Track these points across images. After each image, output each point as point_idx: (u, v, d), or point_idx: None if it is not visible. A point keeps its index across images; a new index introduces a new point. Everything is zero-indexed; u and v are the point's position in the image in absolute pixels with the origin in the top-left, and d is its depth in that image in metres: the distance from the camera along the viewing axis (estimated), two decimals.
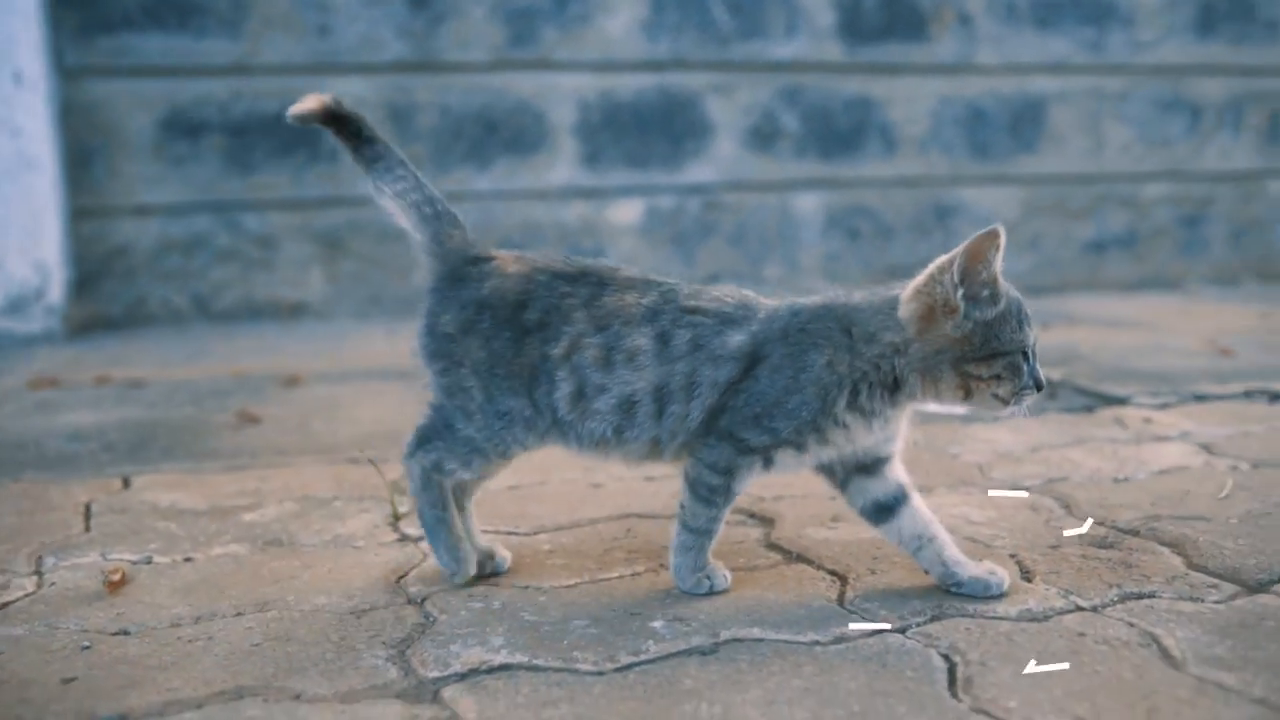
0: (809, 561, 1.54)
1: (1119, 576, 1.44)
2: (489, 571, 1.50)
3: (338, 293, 4.74)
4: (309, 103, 1.49)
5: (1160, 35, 5.55)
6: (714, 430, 1.36)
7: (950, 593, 1.38)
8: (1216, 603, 1.34)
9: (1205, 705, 1.06)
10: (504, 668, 1.19)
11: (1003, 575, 1.38)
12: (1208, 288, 5.70)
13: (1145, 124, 5.59)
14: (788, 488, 1.86)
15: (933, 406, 1.38)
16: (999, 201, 5.42)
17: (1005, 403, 1.33)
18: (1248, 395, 2.67)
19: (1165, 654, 1.18)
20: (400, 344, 1.80)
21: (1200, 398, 2.65)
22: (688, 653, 1.22)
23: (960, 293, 1.29)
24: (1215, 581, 1.41)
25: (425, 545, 1.54)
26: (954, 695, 1.10)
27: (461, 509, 1.52)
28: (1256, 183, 5.79)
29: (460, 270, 1.45)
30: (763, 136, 5.09)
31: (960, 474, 2.00)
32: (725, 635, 1.27)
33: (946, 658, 1.19)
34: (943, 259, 1.33)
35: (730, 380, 1.35)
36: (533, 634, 1.28)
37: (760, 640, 1.25)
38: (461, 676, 1.18)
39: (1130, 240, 5.65)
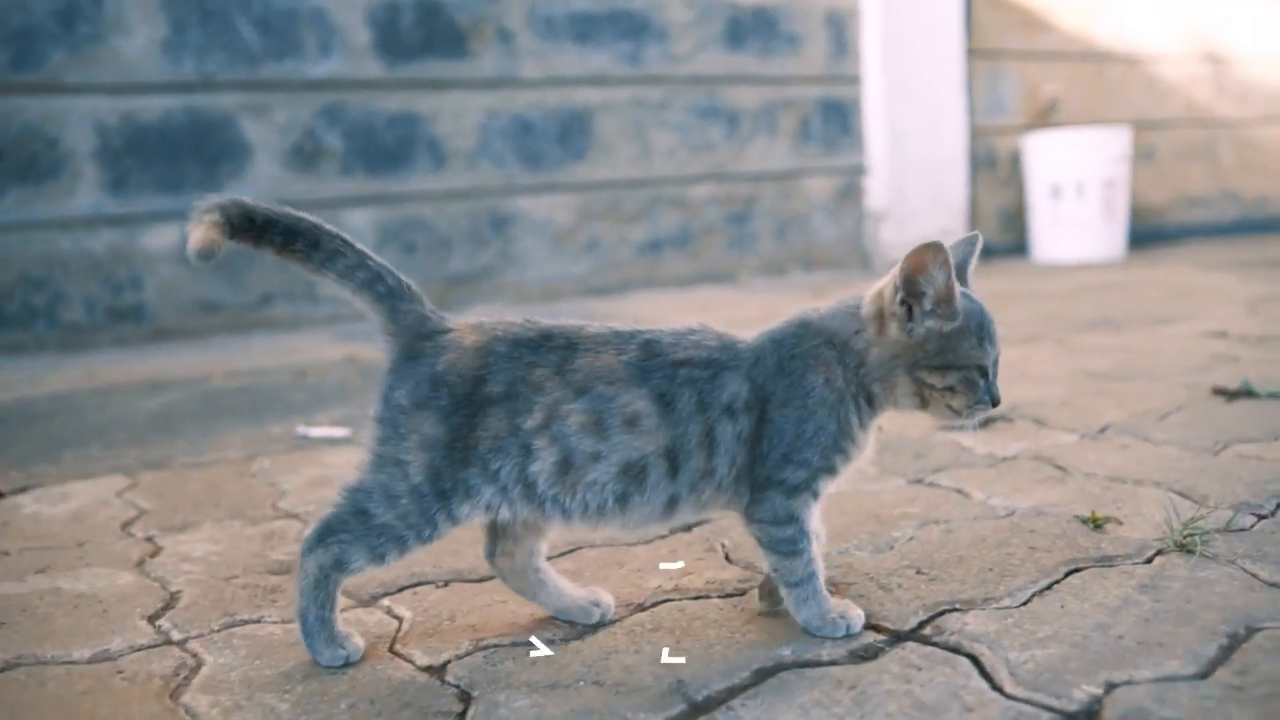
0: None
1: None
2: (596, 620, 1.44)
3: None
4: (203, 233, 1.33)
5: (694, 48, 6.00)
6: (755, 485, 1.33)
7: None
8: None
9: None
10: None
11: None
12: (759, 278, 6.26)
13: (688, 130, 6.04)
14: None
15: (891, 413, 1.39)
16: (554, 209, 5.70)
17: (958, 414, 1.33)
18: None
19: None
20: None
21: None
22: None
23: (899, 297, 1.29)
24: None
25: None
26: None
27: (537, 569, 1.44)
28: (794, 181, 6.40)
29: (416, 346, 1.34)
30: (305, 156, 5.10)
31: None
32: None
33: None
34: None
35: (751, 432, 1.33)
36: None
37: None
38: None
39: (684, 239, 6.10)
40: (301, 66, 5.05)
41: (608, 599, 1.45)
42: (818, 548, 1.37)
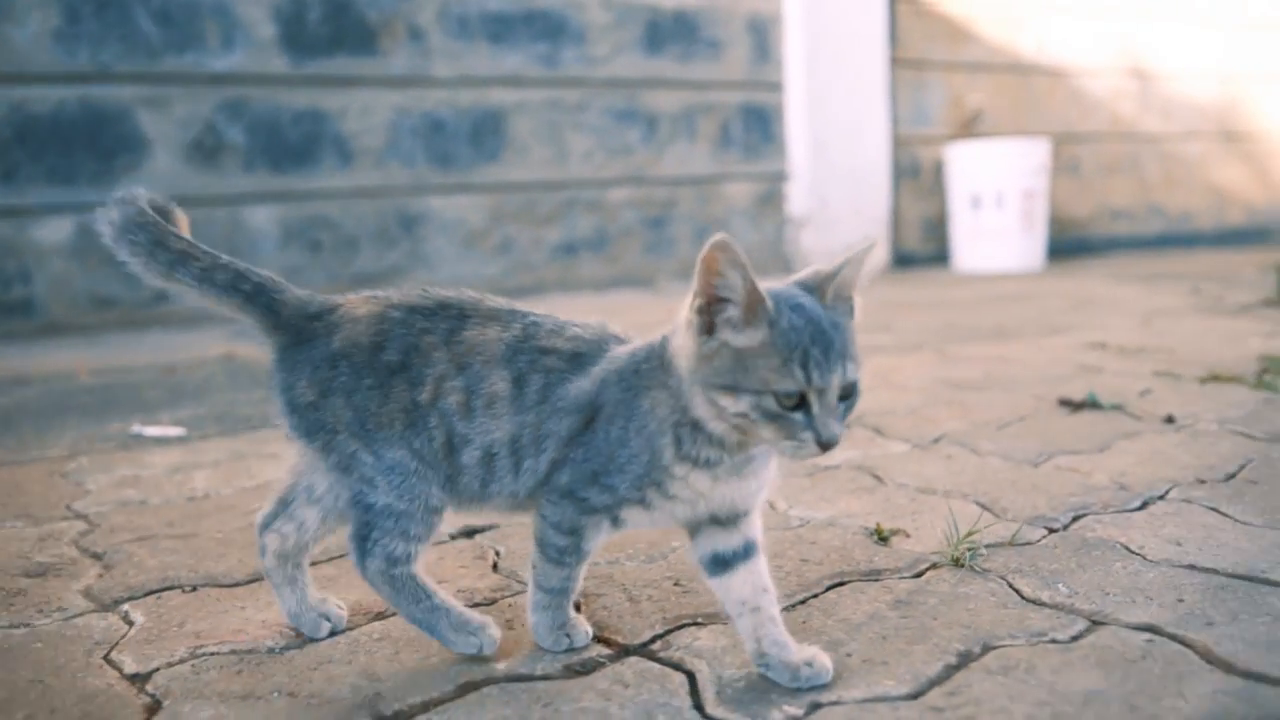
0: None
1: None
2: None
3: None
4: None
5: (612, 51, 5.96)
6: (556, 486, 1.20)
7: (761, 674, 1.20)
8: None
9: None
10: None
11: (822, 665, 1.18)
12: (677, 283, 6.21)
13: (605, 133, 6.00)
14: None
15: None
16: (466, 209, 5.64)
17: (780, 452, 1.12)
18: None
19: None
20: None
21: None
22: None
23: (697, 302, 1.11)
24: None
25: None
26: None
27: (299, 564, 1.35)
28: (714, 186, 6.38)
29: (304, 330, 1.26)
30: (206, 150, 5.00)
31: None
32: None
33: None
34: None
35: (572, 433, 1.19)
36: None
37: None
38: None
39: (600, 242, 6.06)
40: (203, 59, 4.95)
41: (340, 613, 1.39)
42: (582, 570, 1.27)
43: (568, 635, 1.28)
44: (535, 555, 1.26)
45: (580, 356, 1.22)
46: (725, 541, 1.23)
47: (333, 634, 1.36)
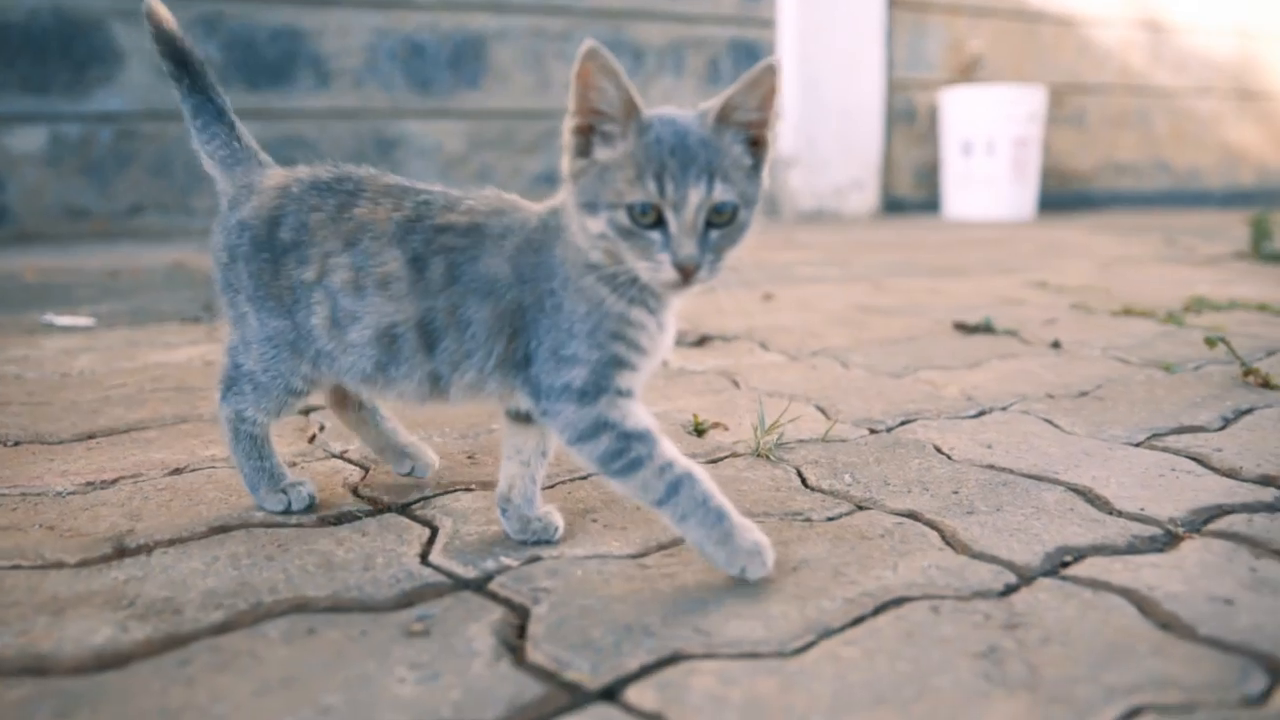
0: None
1: None
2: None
3: None
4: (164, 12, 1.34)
5: None
6: (538, 391, 1.14)
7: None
8: None
9: None
10: None
11: (552, 522, 1.22)
12: None
13: None
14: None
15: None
16: (445, 134, 5.64)
17: (646, 279, 1.05)
18: None
19: None
20: None
21: None
22: None
23: (575, 122, 1.04)
24: None
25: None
26: None
27: (376, 422, 1.43)
28: None
29: (235, 196, 1.29)
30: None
31: None
32: None
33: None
34: None
35: (500, 316, 1.14)
36: None
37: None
38: None
39: None
40: None
41: (430, 456, 1.44)
42: (669, 450, 1.12)
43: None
44: (620, 488, 1.13)
45: (478, 228, 1.17)
46: (526, 405, 1.19)
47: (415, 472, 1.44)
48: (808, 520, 1.31)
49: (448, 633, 0.99)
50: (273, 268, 1.22)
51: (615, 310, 1.10)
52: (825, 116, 6.56)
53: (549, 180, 5.93)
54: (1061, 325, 2.65)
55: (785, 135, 6.50)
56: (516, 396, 1.18)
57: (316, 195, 1.22)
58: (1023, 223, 6.52)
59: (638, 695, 0.88)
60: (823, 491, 1.42)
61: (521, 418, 1.23)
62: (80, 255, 4.34)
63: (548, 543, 1.21)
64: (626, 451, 1.10)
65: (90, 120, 4.90)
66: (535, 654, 0.95)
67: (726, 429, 1.71)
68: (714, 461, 1.54)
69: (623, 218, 1.02)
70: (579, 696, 0.88)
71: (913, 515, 1.33)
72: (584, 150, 1.06)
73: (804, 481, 1.46)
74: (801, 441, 1.64)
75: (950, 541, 1.24)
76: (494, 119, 5.74)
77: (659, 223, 1.02)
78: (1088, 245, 5.05)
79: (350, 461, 1.54)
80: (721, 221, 1.04)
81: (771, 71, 1.04)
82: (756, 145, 1.08)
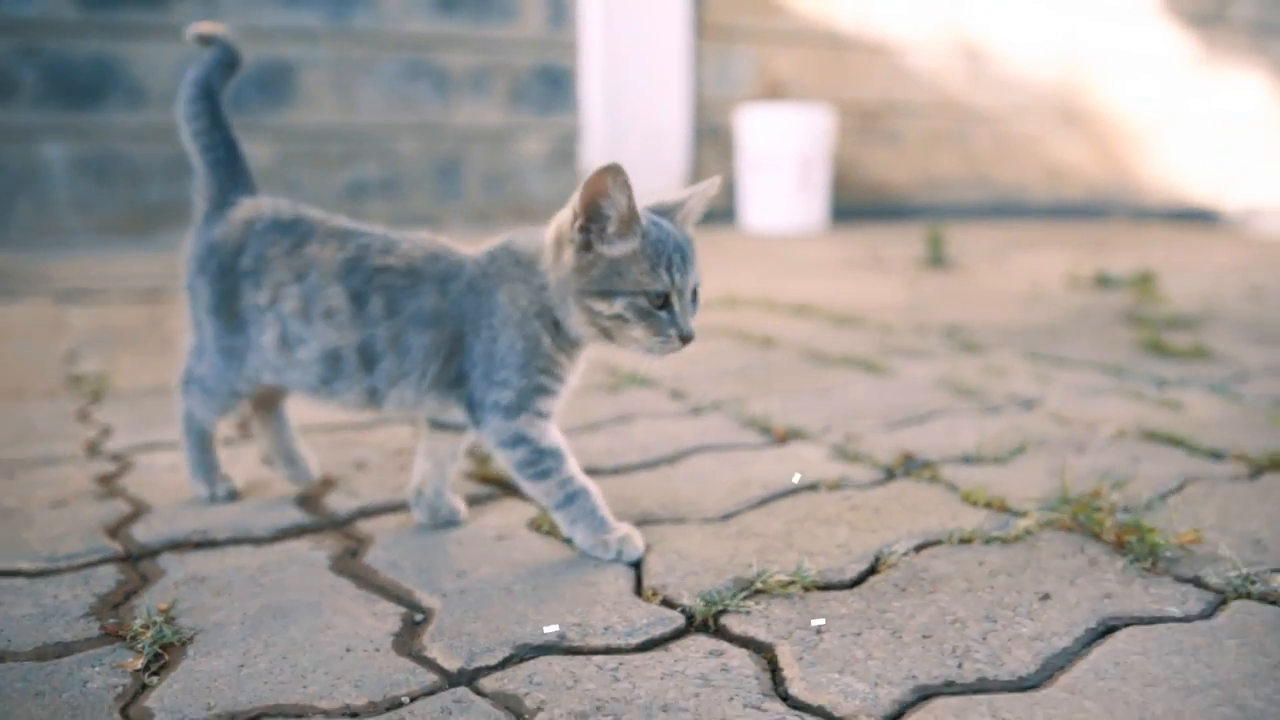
0: None
1: None
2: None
3: None
4: (210, 29, 1.61)
5: (404, 9, 6.52)
6: (472, 404, 1.40)
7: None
8: None
9: None
10: None
11: (454, 509, 1.53)
12: (466, 225, 6.82)
13: (395, 87, 6.57)
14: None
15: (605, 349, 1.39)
16: (255, 150, 6.19)
17: (647, 349, 1.29)
18: None
19: None
20: None
21: None
22: None
23: (578, 222, 1.27)
24: None
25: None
26: None
27: (279, 428, 1.65)
28: (505, 140, 6.94)
29: (210, 215, 1.51)
30: (2, 89, 5.69)
31: None
32: None
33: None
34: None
35: (438, 344, 1.38)
36: None
37: None
38: None
39: (389, 184, 6.66)
40: (3, 7, 5.62)
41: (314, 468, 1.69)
42: (572, 467, 1.38)
43: (618, 548, 1.38)
44: (527, 489, 1.40)
45: (416, 271, 1.39)
46: (459, 417, 1.44)
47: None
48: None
49: None
50: (233, 290, 1.46)
51: (547, 350, 1.35)
52: (631, 135, 7.15)
53: (359, 189, 6.55)
54: None
55: (592, 154, 7.10)
56: (451, 409, 1.43)
57: (275, 233, 1.45)
58: (812, 235, 7.07)
59: None
60: None
61: (441, 426, 1.49)
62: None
63: (454, 524, 1.51)
64: (539, 462, 1.37)
65: None
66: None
67: None
68: None
69: (643, 302, 1.26)
70: None
71: None
72: (585, 245, 1.28)
73: None
74: None
75: None
76: (302, 137, 6.37)
77: (665, 304, 1.28)
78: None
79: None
80: (695, 297, 1.33)
81: (715, 185, 1.36)
82: None
